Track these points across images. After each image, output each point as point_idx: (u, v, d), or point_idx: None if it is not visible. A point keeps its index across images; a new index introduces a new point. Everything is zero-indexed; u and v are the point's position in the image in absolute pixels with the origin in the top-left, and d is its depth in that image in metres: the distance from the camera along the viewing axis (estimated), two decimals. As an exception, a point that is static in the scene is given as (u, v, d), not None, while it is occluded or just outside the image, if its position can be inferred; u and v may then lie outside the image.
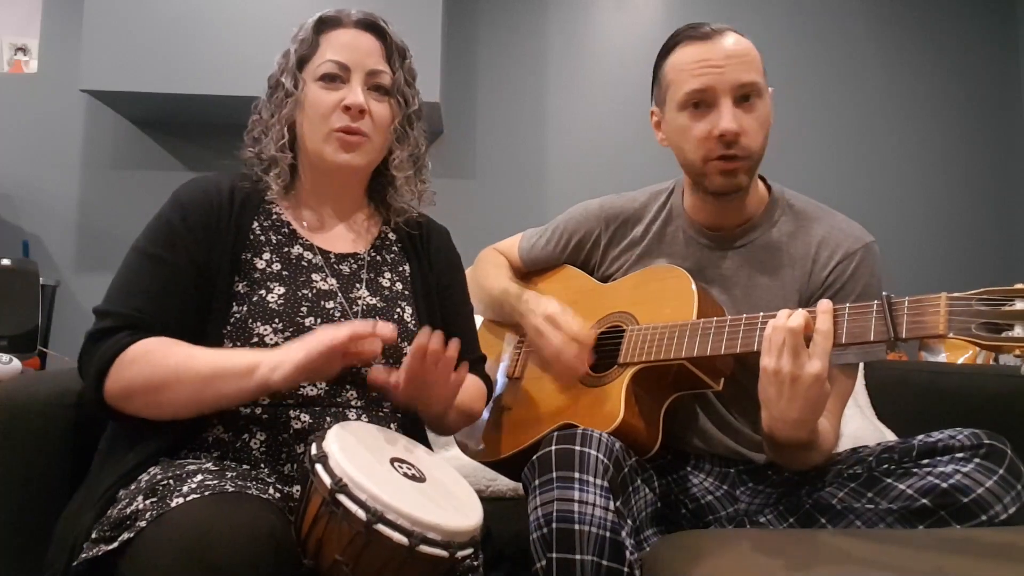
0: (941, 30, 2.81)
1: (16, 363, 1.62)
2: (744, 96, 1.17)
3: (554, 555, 0.95)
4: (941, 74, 2.80)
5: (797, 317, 0.97)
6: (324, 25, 1.13)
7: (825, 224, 1.26)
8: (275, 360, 0.92)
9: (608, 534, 0.96)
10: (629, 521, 1.02)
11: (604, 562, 0.95)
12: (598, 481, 0.98)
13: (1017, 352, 0.83)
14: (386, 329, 0.95)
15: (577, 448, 1.00)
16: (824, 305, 0.98)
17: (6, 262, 2.05)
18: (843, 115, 2.77)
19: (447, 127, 2.68)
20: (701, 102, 1.18)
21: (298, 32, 1.14)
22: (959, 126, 2.79)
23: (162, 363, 0.95)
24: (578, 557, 0.94)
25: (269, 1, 2.32)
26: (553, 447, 1.01)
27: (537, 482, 1.00)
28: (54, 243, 2.61)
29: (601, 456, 1.00)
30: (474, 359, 1.26)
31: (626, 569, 0.96)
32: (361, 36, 1.12)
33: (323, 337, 0.92)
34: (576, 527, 0.95)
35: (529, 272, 1.50)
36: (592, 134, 2.74)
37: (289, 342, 0.97)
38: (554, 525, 0.96)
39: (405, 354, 1.07)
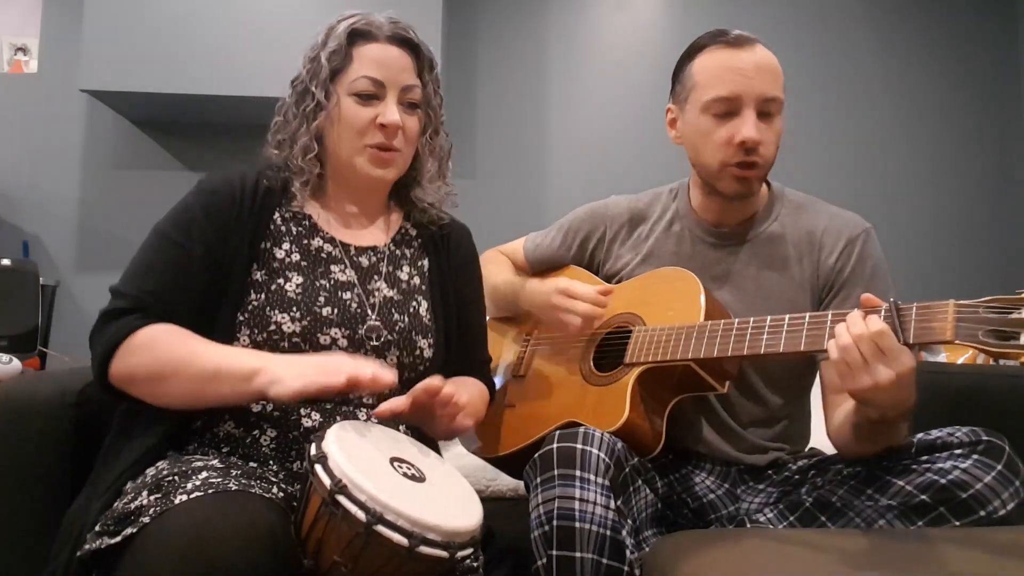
0: (942, 31, 2.81)
1: (16, 363, 1.62)
2: (766, 112, 1.19)
3: (554, 552, 0.95)
4: (942, 75, 2.80)
5: (873, 322, 0.92)
6: (357, 38, 1.11)
7: (824, 214, 1.29)
8: (276, 373, 0.92)
9: (608, 532, 0.96)
10: (629, 520, 1.02)
11: (604, 560, 0.95)
12: (599, 480, 0.98)
13: (1023, 360, 0.84)
14: (387, 378, 0.94)
15: (579, 447, 1.00)
16: (855, 313, 0.95)
17: (6, 262, 2.05)
18: (844, 116, 2.77)
19: (447, 127, 2.67)
20: (726, 109, 1.19)
21: (327, 39, 1.11)
22: (960, 127, 2.79)
23: (166, 355, 0.97)
24: (578, 555, 0.95)
25: (269, 1, 2.32)
26: (555, 445, 1.02)
27: (539, 480, 1.01)
28: (54, 243, 2.61)
29: (602, 455, 1.00)
30: (480, 361, 1.27)
31: (626, 568, 0.96)
32: (394, 51, 1.12)
33: (319, 376, 0.90)
34: (577, 525, 0.95)
35: (535, 274, 1.51)
36: (592, 134, 2.74)
37: (297, 352, 1.00)
38: (555, 523, 0.96)
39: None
